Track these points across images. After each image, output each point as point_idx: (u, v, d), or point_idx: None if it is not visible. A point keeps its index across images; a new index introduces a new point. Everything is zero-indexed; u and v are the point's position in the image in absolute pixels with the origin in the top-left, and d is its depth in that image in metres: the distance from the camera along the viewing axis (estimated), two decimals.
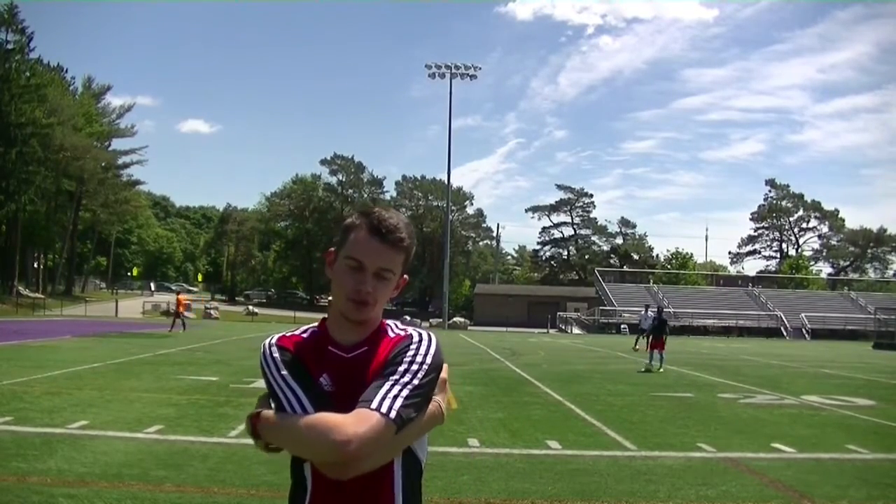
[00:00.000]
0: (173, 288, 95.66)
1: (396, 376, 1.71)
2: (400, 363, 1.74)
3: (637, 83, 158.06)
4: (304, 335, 1.90)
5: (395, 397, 1.67)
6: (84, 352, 19.82)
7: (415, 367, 1.74)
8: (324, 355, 1.83)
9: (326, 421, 1.60)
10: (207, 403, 11.11)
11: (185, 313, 34.35)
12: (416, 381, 1.72)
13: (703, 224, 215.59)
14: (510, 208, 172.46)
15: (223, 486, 6.23)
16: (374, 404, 1.64)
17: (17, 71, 56.82)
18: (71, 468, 6.71)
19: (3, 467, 6.61)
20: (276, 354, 1.81)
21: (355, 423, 1.59)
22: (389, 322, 1.92)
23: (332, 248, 1.88)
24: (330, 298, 1.88)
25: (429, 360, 1.78)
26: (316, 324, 1.92)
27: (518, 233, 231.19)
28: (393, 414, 1.64)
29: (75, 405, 10.39)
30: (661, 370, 19.39)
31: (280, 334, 1.89)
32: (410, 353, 1.77)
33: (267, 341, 1.85)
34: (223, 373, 15.60)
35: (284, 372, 1.77)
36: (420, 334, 1.84)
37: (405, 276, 1.89)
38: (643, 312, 34.56)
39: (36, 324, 35.40)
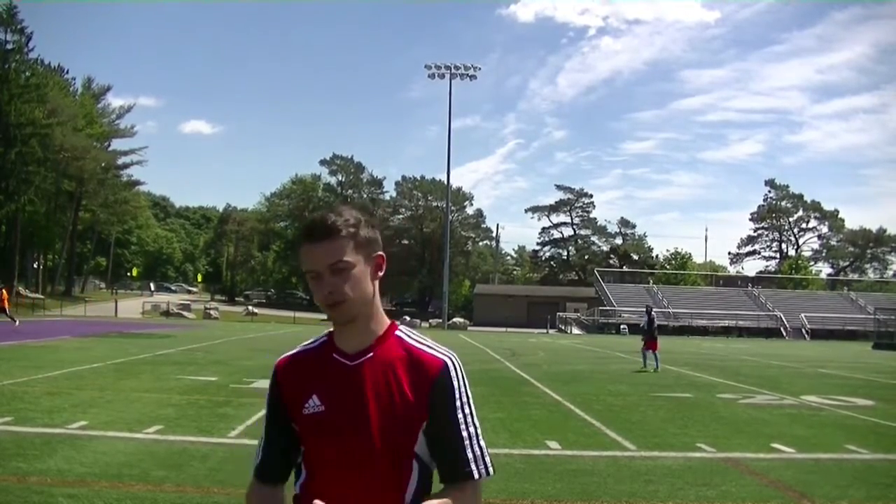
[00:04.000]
0: (173, 288, 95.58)
1: (466, 430, 1.79)
2: (456, 412, 1.78)
3: (636, 84, 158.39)
4: (313, 346, 1.90)
5: (482, 454, 1.80)
6: (84, 352, 19.80)
7: (468, 409, 1.81)
8: (327, 365, 1.82)
9: None
10: (207, 403, 11.11)
11: (7, 310, 32.75)
12: (478, 424, 1.83)
13: (702, 224, 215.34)
14: (510, 208, 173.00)
15: (223, 487, 6.24)
16: (477, 474, 1.77)
17: (17, 71, 56.89)
18: (71, 468, 6.71)
19: (3, 467, 6.61)
20: (270, 382, 1.90)
21: (474, 495, 1.78)
22: (403, 329, 1.88)
23: None
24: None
25: (471, 392, 1.84)
26: (328, 331, 1.91)
27: (518, 233, 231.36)
28: (491, 471, 1.80)
29: (75, 405, 10.39)
30: (658, 370, 19.44)
31: (285, 355, 1.92)
32: (457, 396, 1.80)
33: (275, 362, 1.91)
34: (223, 373, 15.60)
35: (267, 403, 1.90)
36: (453, 366, 1.82)
37: (378, 253, 1.82)
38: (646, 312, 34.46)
39: (36, 324, 35.39)
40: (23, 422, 8.93)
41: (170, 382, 13.66)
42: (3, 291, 33.36)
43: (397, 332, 1.86)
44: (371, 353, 1.80)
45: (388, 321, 1.86)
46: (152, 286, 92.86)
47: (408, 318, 59.91)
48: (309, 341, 1.93)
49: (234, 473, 6.70)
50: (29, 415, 9.45)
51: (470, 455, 1.76)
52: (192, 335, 31.06)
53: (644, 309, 23.00)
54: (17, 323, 31.80)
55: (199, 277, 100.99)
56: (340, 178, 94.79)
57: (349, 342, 1.82)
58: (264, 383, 12.00)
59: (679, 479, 7.04)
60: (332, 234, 1.74)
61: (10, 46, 56.59)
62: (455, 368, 1.81)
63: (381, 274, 1.83)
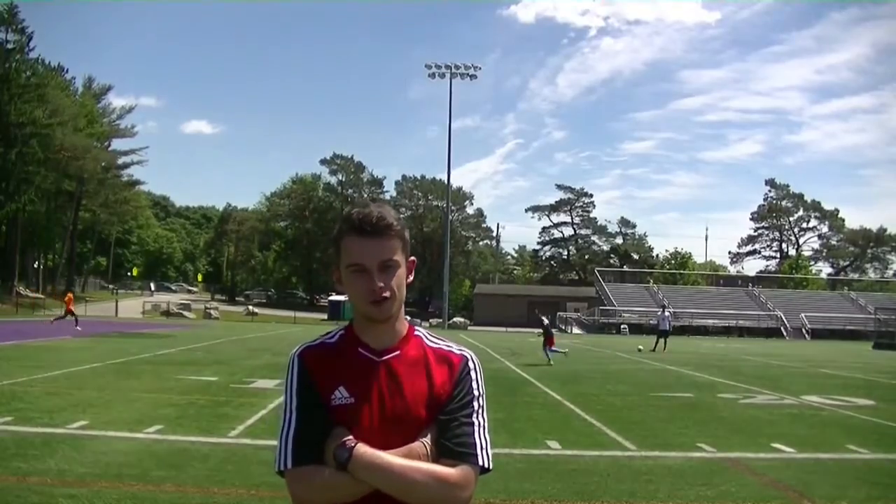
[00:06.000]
0: (173, 288, 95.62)
1: (477, 419, 1.81)
2: (471, 401, 1.83)
3: (636, 84, 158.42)
4: (332, 340, 1.90)
5: (487, 446, 1.80)
6: (84, 352, 19.79)
7: (482, 401, 1.85)
8: (352, 358, 1.83)
9: (447, 476, 1.71)
10: (208, 403, 11.10)
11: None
12: (487, 419, 1.85)
13: (702, 224, 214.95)
14: (510, 208, 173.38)
15: (223, 487, 6.22)
16: (481, 460, 1.76)
17: (17, 71, 56.90)
18: (71, 468, 6.71)
19: (3, 467, 6.60)
20: (296, 369, 1.84)
21: (470, 479, 1.74)
22: (420, 330, 1.93)
23: (335, 267, 1.87)
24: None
25: (484, 389, 1.88)
26: (344, 326, 1.92)
27: (518, 233, 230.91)
28: (490, 465, 1.79)
29: (75, 405, 10.38)
30: (550, 364, 20.96)
31: (306, 344, 1.89)
32: (475, 388, 1.85)
33: (294, 351, 1.87)
34: (223, 373, 15.59)
35: (294, 390, 1.82)
36: (473, 361, 1.88)
37: (412, 258, 1.88)
38: (659, 313, 34.10)
39: (36, 324, 35.37)
40: (23, 422, 8.92)
41: (170, 382, 13.65)
42: (70, 295, 36.41)
43: (416, 333, 1.91)
44: (398, 351, 1.84)
45: (407, 323, 1.91)
46: (152, 286, 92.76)
47: (408, 319, 59.79)
48: (326, 334, 1.93)
49: (234, 473, 6.71)
50: (29, 415, 9.45)
51: (478, 441, 1.78)
52: (193, 335, 31.05)
53: (659, 310, 23.45)
54: (79, 327, 31.21)
55: (200, 277, 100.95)
56: (341, 178, 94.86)
57: (376, 339, 1.84)
58: (265, 383, 11.99)
59: (679, 478, 7.04)
60: (387, 231, 1.78)
61: (10, 46, 56.63)
62: (475, 363, 1.88)
63: (411, 278, 1.88)
